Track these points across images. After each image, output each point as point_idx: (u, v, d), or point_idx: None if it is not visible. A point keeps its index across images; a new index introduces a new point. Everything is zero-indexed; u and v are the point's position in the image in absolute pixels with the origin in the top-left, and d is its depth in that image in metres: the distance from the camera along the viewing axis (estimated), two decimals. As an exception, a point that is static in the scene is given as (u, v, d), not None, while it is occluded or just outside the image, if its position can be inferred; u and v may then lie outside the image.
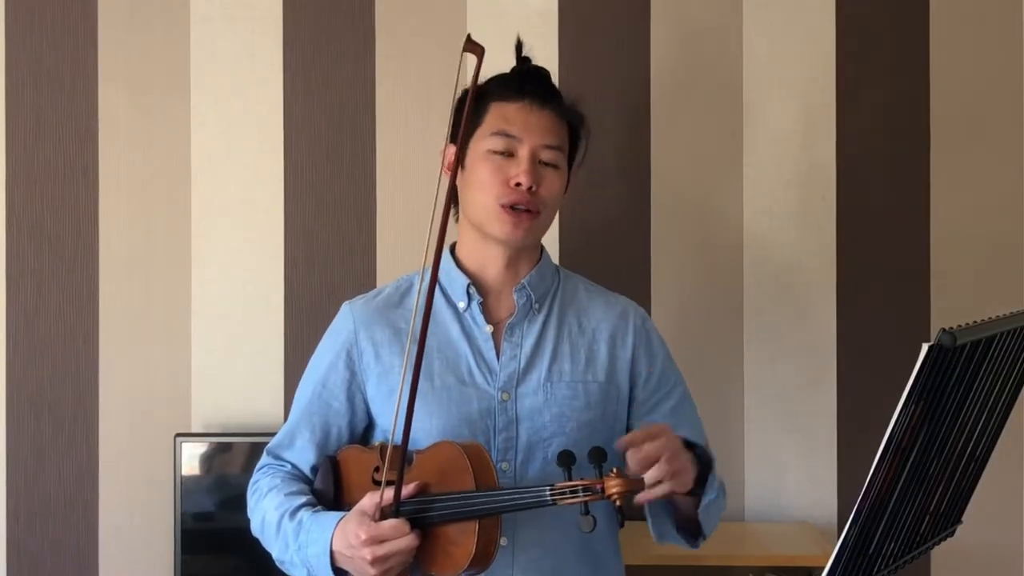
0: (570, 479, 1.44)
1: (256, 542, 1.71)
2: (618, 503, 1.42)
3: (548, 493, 1.45)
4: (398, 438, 1.51)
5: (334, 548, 1.53)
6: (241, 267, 2.50)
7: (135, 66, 2.50)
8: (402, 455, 1.50)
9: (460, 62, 1.53)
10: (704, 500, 1.59)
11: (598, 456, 1.44)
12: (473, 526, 1.49)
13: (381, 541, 1.47)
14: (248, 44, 2.50)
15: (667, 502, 1.63)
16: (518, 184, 1.64)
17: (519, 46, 1.74)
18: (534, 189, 1.65)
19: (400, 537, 1.48)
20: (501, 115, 1.67)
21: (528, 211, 1.66)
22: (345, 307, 1.76)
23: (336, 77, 2.50)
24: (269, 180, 2.50)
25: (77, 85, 2.49)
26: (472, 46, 1.51)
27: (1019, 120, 2.50)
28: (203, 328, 2.50)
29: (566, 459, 1.45)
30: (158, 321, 2.50)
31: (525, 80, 1.70)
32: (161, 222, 2.50)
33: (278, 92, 2.50)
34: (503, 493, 1.49)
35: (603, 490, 1.41)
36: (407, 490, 1.52)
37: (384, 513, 1.50)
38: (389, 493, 1.50)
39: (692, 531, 1.67)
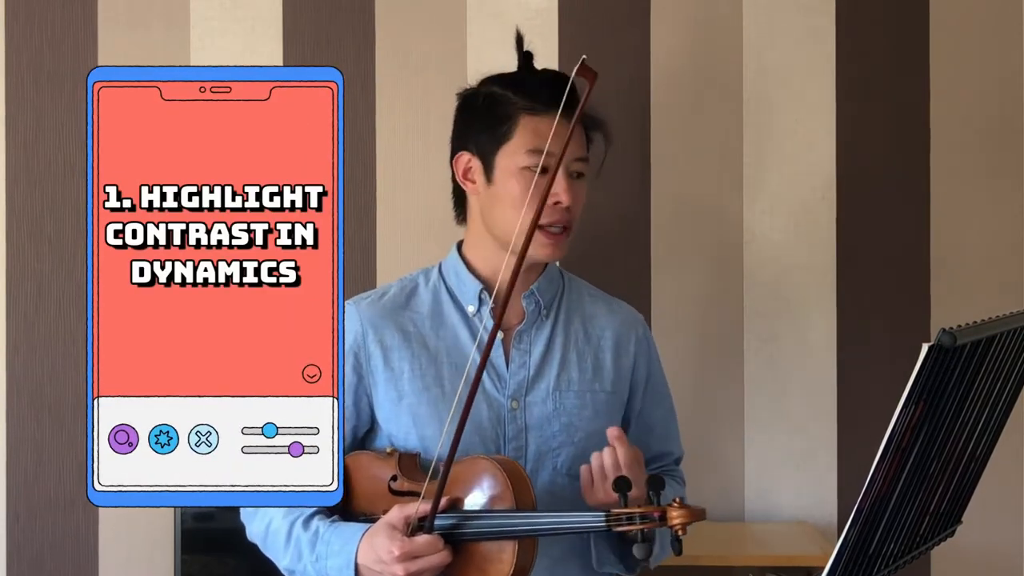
0: (626, 505, 1.42)
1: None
2: (681, 533, 1.40)
3: (604, 520, 1.42)
4: (442, 455, 1.46)
5: (359, 562, 1.48)
6: (241, 267, 2.50)
7: (135, 66, 2.50)
8: (443, 475, 1.44)
9: (568, 84, 1.45)
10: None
11: (656, 484, 1.42)
12: (512, 545, 1.45)
13: (415, 557, 1.43)
14: (248, 44, 2.50)
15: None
16: (557, 202, 1.60)
17: (519, 40, 1.66)
18: (571, 206, 1.62)
19: (434, 554, 1.44)
20: (534, 130, 1.60)
21: (564, 229, 1.63)
22: (349, 307, 1.67)
23: (336, 77, 2.50)
24: (269, 180, 2.50)
25: (77, 85, 2.49)
26: (584, 71, 1.41)
27: (1019, 119, 2.50)
28: (203, 328, 2.49)
29: (623, 485, 1.43)
30: (158, 321, 2.50)
31: (553, 90, 1.57)
32: (161, 222, 2.50)
33: (278, 92, 2.50)
34: (551, 516, 1.47)
35: (664, 519, 1.39)
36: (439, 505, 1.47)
37: (412, 527, 1.46)
38: (419, 506, 1.46)
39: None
